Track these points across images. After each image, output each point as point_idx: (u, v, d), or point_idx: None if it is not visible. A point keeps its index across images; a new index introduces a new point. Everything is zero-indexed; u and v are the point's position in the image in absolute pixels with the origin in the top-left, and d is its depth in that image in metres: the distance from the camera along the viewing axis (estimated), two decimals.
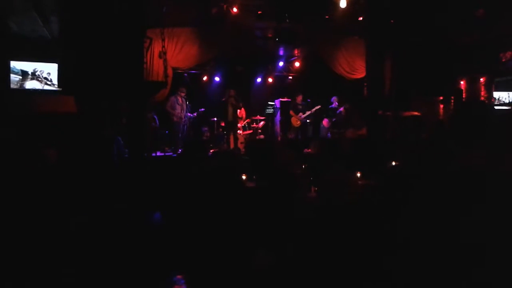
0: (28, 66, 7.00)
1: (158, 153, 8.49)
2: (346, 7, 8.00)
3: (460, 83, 10.50)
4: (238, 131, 10.05)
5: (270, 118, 11.70)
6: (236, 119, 9.87)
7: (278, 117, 11.16)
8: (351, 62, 10.75)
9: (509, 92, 10.34)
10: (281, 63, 11.76)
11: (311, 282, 1.93)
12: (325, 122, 10.76)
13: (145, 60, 7.49)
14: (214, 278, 2.09)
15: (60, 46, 6.93)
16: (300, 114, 10.32)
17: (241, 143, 9.83)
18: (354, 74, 10.85)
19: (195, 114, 9.90)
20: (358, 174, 3.98)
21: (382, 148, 6.07)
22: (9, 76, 6.81)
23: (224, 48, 9.78)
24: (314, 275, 1.94)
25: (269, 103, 12.15)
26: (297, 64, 11.61)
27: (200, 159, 4.45)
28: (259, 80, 12.02)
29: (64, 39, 6.74)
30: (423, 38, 8.99)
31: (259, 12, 8.80)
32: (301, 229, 2.19)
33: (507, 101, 10.29)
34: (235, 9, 8.43)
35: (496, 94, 10.38)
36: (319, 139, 9.17)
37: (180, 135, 9.03)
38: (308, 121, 10.62)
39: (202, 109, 10.02)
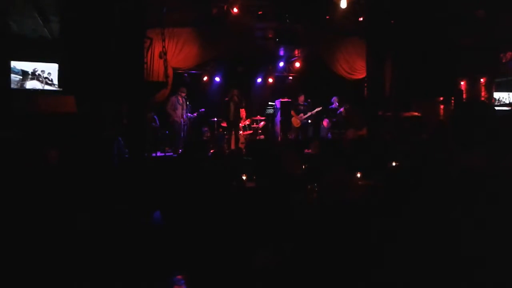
0: (29, 66, 7.01)
1: (158, 153, 8.50)
2: (346, 7, 7.99)
3: (460, 84, 10.49)
4: (239, 131, 10.05)
5: (270, 119, 11.71)
6: (239, 118, 9.87)
7: (278, 117, 11.16)
8: (351, 62, 10.75)
9: (510, 93, 10.34)
10: (281, 64, 11.76)
11: (311, 282, 1.93)
12: (325, 122, 10.76)
13: (145, 60, 7.49)
14: (214, 278, 2.09)
15: (60, 46, 6.93)
16: (301, 114, 10.32)
17: (242, 143, 9.83)
18: (354, 75, 10.85)
19: (195, 114, 9.91)
20: (358, 175, 3.98)
21: (382, 148, 6.06)
22: (10, 76, 6.82)
23: (225, 49, 9.78)
24: (314, 275, 1.94)
25: (270, 103, 12.16)
26: (297, 64, 11.60)
27: (200, 159, 4.45)
28: (259, 80, 12.02)
29: (64, 39, 6.74)
30: (423, 39, 8.99)
31: (259, 13, 8.82)
32: (301, 229, 2.19)
33: (507, 101, 10.29)
34: (235, 10, 8.42)
35: (496, 95, 10.38)
36: (319, 140, 9.16)
37: (180, 135, 9.04)
38: (308, 121, 10.62)
39: (202, 109, 10.02)
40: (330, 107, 10.59)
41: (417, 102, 9.48)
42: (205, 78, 11.19)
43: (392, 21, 8.58)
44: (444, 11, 7.97)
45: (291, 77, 12.36)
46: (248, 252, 2.13)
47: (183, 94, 9.19)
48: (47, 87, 7.07)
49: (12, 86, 6.82)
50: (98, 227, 2.61)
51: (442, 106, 10.10)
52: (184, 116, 9.19)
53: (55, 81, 7.12)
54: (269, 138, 10.81)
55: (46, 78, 7.11)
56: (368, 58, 9.19)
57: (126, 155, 6.91)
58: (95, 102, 6.32)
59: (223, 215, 2.48)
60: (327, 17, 8.99)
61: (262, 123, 10.92)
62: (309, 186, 2.80)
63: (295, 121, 10.37)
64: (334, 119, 10.42)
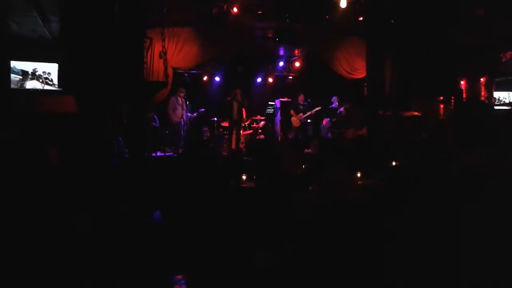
0: (28, 66, 7.01)
1: (159, 153, 8.49)
2: (346, 7, 7.99)
3: (460, 83, 10.50)
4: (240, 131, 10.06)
5: (270, 118, 11.71)
6: (241, 118, 9.86)
7: (278, 117, 11.17)
8: (352, 62, 10.75)
9: (509, 92, 10.35)
10: (281, 63, 11.77)
11: (311, 282, 1.93)
12: (325, 122, 10.76)
13: (145, 60, 7.48)
14: (214, 278, 2.09)
15: (60, 46, 6.93)
16: (301, 114, 10.32)
17: (242, 143, 9.83)
18: (354, 74, 10.85)
19: (195, 114, 9.90)
20: (358, 174, 3.99)
21: (382, 148, 6.06)
22: (10, 76, 6.82)
23: (225, 48, 9.78)
24: (314, 275, 1.94)
25: (269, 103, 12.16)
26: (297, 64, 11.61)
27: (200, 159, 4.45)
28: (259, 80, 12.02)
29: (64, 39, 6.73)
30: (423, 38, 8.99)
31: (259, 12, 8.81)
32: (301, 229, 2.19)
33: (507, 101, 10.30)
34: (235, 9, 8.43)
35: (496, 94, 10.39)
36: (319, 139, 9.16)
37: (180, 135, 9.04)
38: (308, 121, 10.62)
39: (202, 109, 10.01)
40: (330, 106, 10.59)
41: (417, 101, 9.48)
42: (205, 78, 11.19)
43: (392, 21, 8.58)
44: (443, 10, 7.96)
45: (291, 77, 12.37)
46: (249, 252, 2.13)
47: (182, 94, 9.19)
48: (47, 87, 7.07)
49: (12, 86, 6.83)
50: (98, 227, 2.61)
51: (442, 106, 10.11)
52: (184, 116, 9.19)
53: (55, 81, 7.12)
54: (269, 137, 10.80)
55: (46, 78, 7.11)
56: (368, 57, 9.17)
57: (126, 155, 6.91)
58: (95, 102, 6.31)
59: (223, 215, 2.48)
60: (327, 16, 8.99)
61: (262, 122, 10.92)
62: (310, 188, 2.81)
63: (295, 120, 10.37)
64: (334, 119, 10.42)
